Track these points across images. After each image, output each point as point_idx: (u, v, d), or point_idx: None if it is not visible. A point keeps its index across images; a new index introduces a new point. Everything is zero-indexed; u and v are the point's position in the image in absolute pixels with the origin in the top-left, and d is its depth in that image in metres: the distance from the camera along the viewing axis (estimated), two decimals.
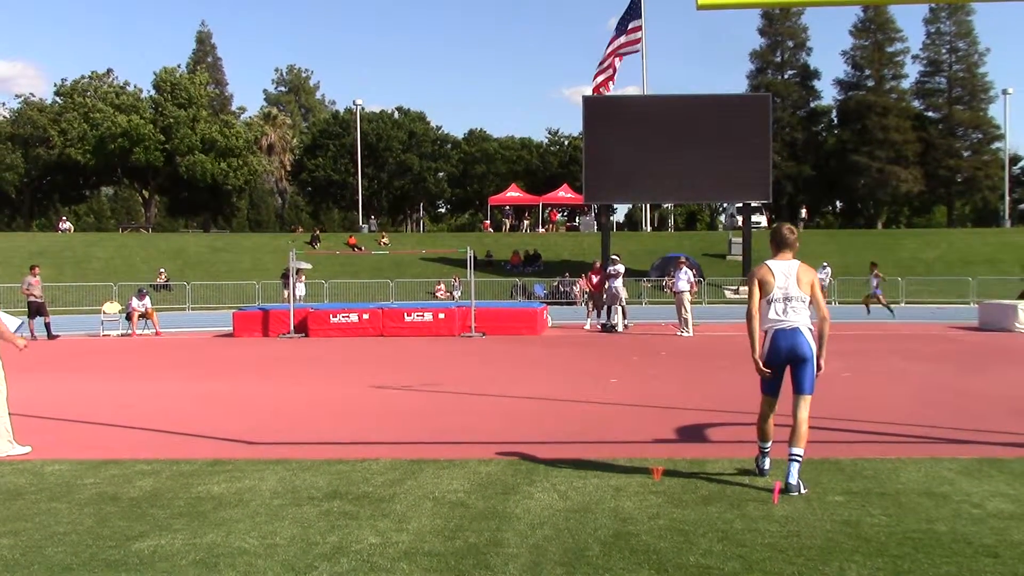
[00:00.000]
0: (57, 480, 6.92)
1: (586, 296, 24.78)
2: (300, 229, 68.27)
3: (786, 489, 6.15)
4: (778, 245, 6.53)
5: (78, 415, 10.31)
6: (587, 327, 23.59)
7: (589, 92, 53.65)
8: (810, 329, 6.39)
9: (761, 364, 6.43)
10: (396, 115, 79.17)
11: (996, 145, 70.40)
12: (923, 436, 8.47)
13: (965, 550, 4.96)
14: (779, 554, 4.91)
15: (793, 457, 6.22)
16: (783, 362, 6.41)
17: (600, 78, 53.22)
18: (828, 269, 39.74)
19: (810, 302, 6.39)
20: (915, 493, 6.18)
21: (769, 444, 6.72)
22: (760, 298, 6.41)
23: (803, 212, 41.06)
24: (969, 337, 20.49)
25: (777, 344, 6.38)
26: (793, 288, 6.34)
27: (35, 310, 23.13)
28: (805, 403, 6.37)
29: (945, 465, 6.99)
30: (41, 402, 11.40)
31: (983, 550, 4.96)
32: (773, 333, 6.39)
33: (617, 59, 52.82)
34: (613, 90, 53.16)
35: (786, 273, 6.37)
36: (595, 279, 23.88)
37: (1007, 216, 62.74)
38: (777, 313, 6.35)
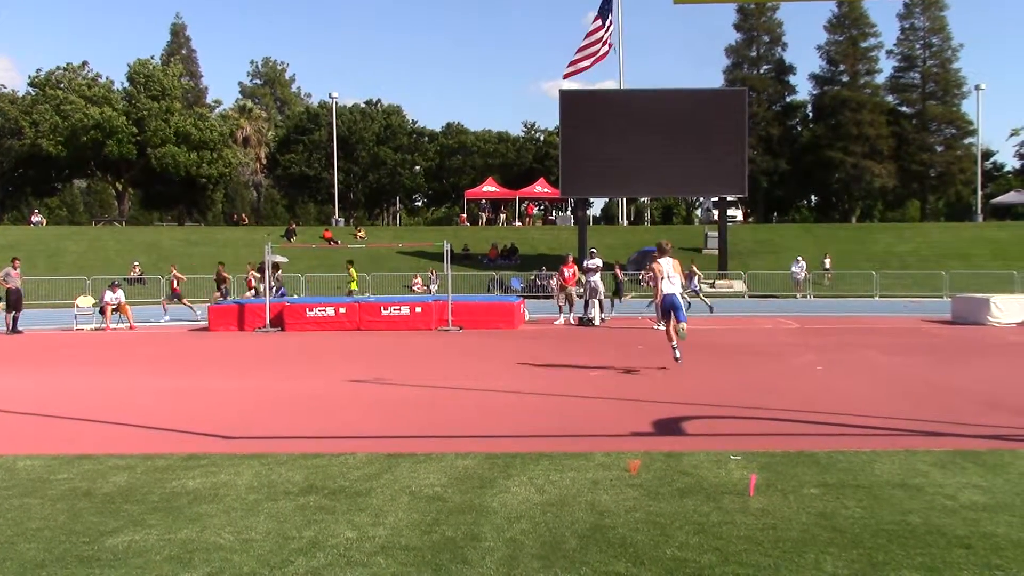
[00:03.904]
0: (29, 475, 6.84)
1: (559, 291, 24.67)
2: (246, 221, 67.45)
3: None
4: (662, 252, 13.27)
5: (51, 410, 10.20)
6: (559, 322, 23.56)
7: (566, 86, 53.83)
8: (681, 292, 13.33)
9: (660, 307, 13.41)
10: (371, 108, 78.79)
11: (969, 140, 71.08)
12: (897, 429, 8.53)
13: (939, 541, 5.00)
14: (755, 546, 4.93)
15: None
16: (668, 308, 13.09)
17: (583, 61, 53.51)
18: (803, 263, 40.00)
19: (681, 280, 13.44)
20: (889, 485, 6.23)
21: (675, 343, 13.14)
22: (660, 274, 13.01)
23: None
24: (942, 331, 20.69)
25: (667, 300, 13.06)
26: (672, 272, 13.08)
27: (13, 302, 22.79)
28: (682, 324, 13.10)
29: (919, 457, 7.05)
30: (13, 396, 11.28)
31: (956, 541, 5.00)
32: (665, 294, 13.00)
33: (602, 48, 53.22)
34: (590, 84, 53.93)
35: (668, 264, 13.07)
36: (567, 273, 23.82)
37: (979, 211, 63.39)
38: (667, 284, 13.03)
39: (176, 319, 26.59)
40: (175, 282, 28.82)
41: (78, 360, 16.69)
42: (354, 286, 29.55)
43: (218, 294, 28.18)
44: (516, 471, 6.74)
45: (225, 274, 29.15)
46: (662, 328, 21.63)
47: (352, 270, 31.02)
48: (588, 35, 54.07)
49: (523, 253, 47.79)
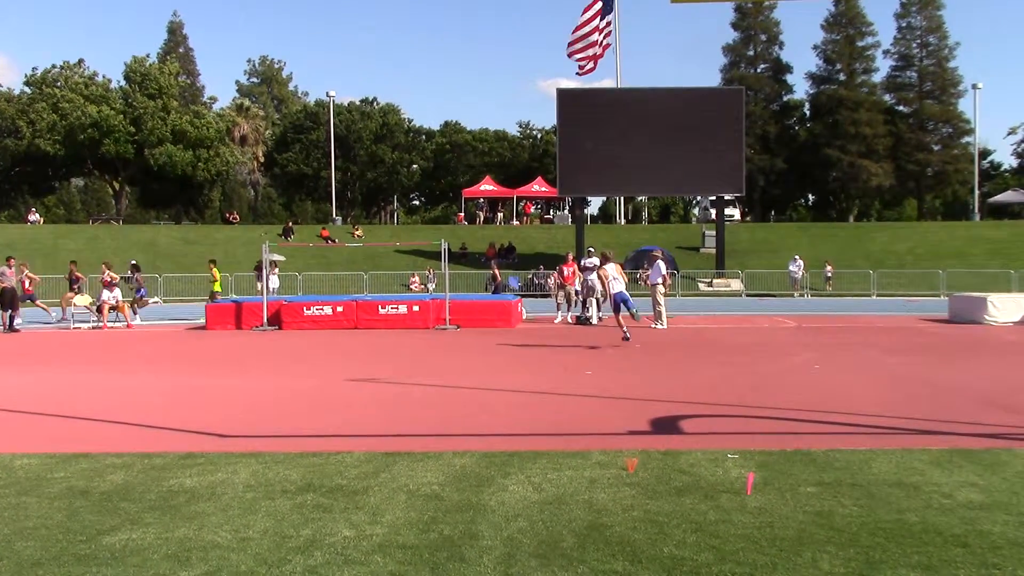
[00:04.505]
0: (26, 474, 6.82)
1: (557, 289, 24.73)
2: (237, 219, 67.06)
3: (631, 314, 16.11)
4: (606, 260, 17.20)
5: (48, 408, 10.18)
6: (557, 320, 23.63)
7: (563, 84, 53.84)
8: (624, 290, 16.49)
9: (608, 300, 17.36)
10: (368, 107, 78.69)
11: (966, 139, 71.22)
12: (894, 427, 8.54)
13: (935, 540, 5.01)
14: (752, 545, 4.93)
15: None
16: (619, 302, 16.32)
17: (580, 51, 53.16)
18: (800, 262, 40.02)
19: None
20: (886, 484, 6.23)
21: (625, 328, 16.72)
22: (607, 277, 16.69)
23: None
24: (939, 329, 20.70)
25: (617, 296, 16.41)
26: (617, 275, 16.69)
27: (8, 301, 22.70)
28: (634, 310, 16.18)
29: (916, 456, 7.05)
30: (10, 395, 11.27)
31: (953, 540, 5.01)
32: (614, 292, 16.47)
33: (599, 47, 52.99)
34: (588, 82, 53.76)
35: (612, 268, 16.80)
36: (567, 271, 23.85)
37: (976, 209, 63.46)
38: (615, 284, 16.48)
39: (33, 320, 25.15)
40: (27, 282, 25.79)
41: (75, 358, 16.66)
42: (216, 287, 28.39)
43: (71, 294, 26.52)
44: (514, 469, 6.73)
45: (78, 274, 27.77)
46: (659, 327, 22.05)
47: (215, 270, 28.91)
48: (586, 9, 53.62)
49: (521, 252, 47.78)
